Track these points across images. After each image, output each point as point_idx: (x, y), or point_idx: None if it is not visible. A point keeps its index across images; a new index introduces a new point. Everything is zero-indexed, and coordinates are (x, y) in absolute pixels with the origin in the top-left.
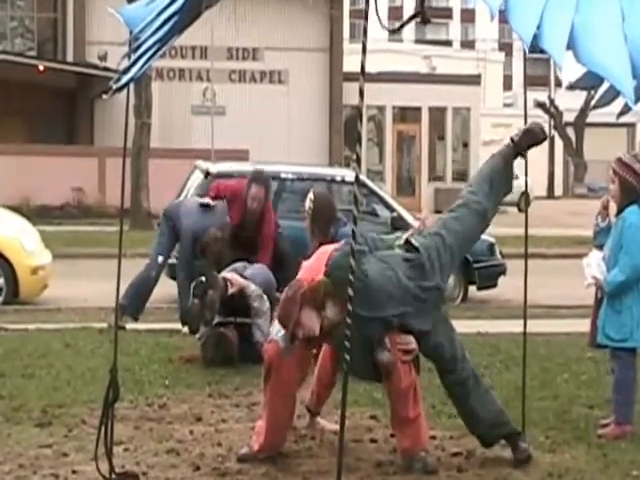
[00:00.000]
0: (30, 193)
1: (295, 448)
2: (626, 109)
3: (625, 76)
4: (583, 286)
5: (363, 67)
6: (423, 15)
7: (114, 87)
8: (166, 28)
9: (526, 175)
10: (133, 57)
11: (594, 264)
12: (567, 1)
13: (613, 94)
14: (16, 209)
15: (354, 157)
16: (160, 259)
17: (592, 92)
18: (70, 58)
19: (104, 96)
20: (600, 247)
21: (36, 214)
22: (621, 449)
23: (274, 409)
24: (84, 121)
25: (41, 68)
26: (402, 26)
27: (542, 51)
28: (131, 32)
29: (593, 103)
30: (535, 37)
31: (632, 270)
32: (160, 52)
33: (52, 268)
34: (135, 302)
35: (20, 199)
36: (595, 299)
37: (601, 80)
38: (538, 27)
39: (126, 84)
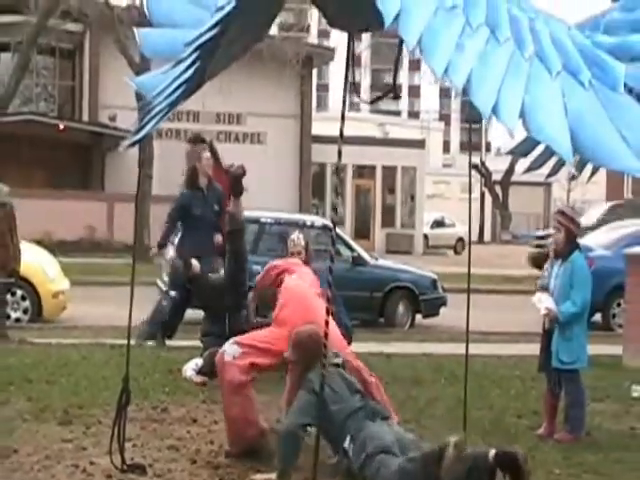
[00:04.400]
0: (51, 230)
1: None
2: (554, 172)
3: (567, 145)
4: (511, 317)
5: (341, 133)
6: (395, 92)
7: (130, 141)
8: (177, 94)
9: (470, 225)
10: (147, 118)
11: (544, 299)
12: (518, 83)
13: (544, 159)
14: (39, 242)
15: (326, 205)
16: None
17: (517, 157)
18: (85, 118)
19: (120, 148)
20: (543, 288)
21: (55, 247)
22: (545, 451)
23: (226, 410)
24: (96, 171)
25: (61, 127)
26: (378, 99)
27: (479, 122)
28: (138, 98)
29: (528, 166)
30: (493, 110)
31: (582, 304)
32: (168, 114)
33: (70, 293)
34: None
35: (42, 234)
36: (543, 330)
37: (533, 148)
38: (495, 103)
39: (140, 139)
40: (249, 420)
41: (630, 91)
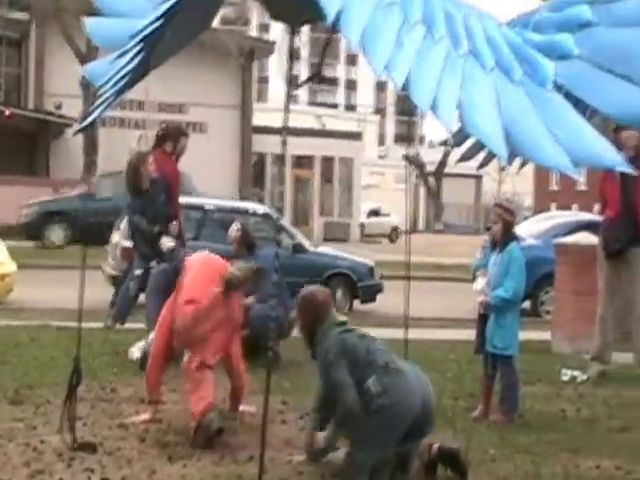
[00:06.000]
0: None
1: (222, 425)
2: (484, 163)
3: (500, 141)
4: (444, 303)
5: (286, 125)
6: (321, 76)
7: (77, 128)
8: (122, 83)
9: (407, 214)
10: (94, 105)
11: (480, 284)
12: (454, 79)
13: (475, 151)
14: None
15: (267, 194)
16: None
17: (449, 149)
18: (31, 106)
19: (67, 135)
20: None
21: (2, 231)
22: (480, 432)
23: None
24: (41, 158)
25: (7, 113)
26: (307, 81)
27: (413, 115)
28: (84, 86)
29: (460, 156)
30: (431, 107)
31: (514, 292)
32: (115, 102)
33: (16, 275)
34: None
35: None
36: (478, 315)
37: (466, 139)
38: (433, 99)
39: (86, 127)
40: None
41: (559, 88)
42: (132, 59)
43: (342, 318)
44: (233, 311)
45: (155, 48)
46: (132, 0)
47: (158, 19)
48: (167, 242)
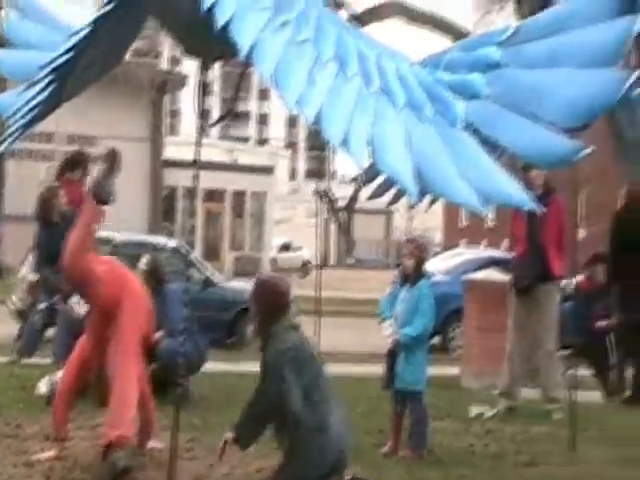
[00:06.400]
0: None
1: (129, 463)
2: (394, 200)
3: (409, 178)
4: (354, 338)
5: (198, 159)
6: (236, 113)
7: None
8: (32, 115)
9: (317, 249)
10: (1, 137)
11: (389, 326)
12: (366, 116)
13: (386, 188)
14: None
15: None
16: None
17: (360, 185)
18: None
19: None
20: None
21: None
22: (390, 468)
23: None
24: None
25: None
26: (219, 121)
27: (324, 150)
28: None
29: (370, 193)
30: (342, 142)
31: (423, 329)
32: (23, 134)
33: None
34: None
35: None
36: (387, 351)
37: (376, 176)
38: (344, 135)
39: None
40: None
41: (469, 127)
42: (42, 91)
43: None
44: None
45: (67, 80)
46: (42, 32)
47: (69, 51)
48: (76, 307)
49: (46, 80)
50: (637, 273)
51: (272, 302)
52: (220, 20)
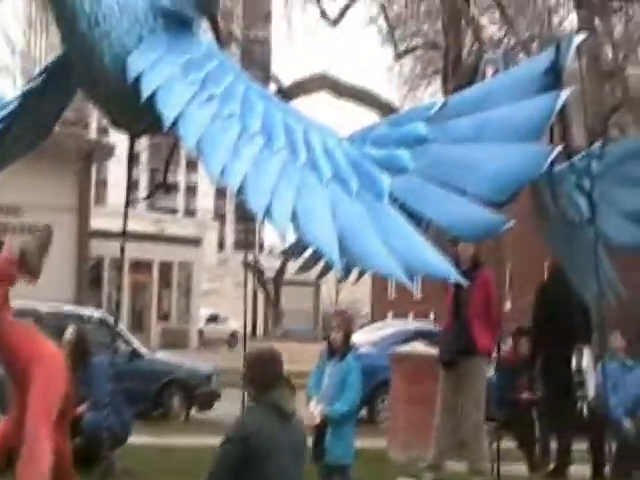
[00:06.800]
0: None
1: None
2: (323, 274)
3: (335, 251)
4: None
5: (125, 231)
6: (165, 187)
7: None
8: None
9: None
10: None
11: (315, 405)
12: (291, 188)
13: (314, 261)
14: None
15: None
16: None
17: (289, 258)
18: None
19: None
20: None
21: None
22: None
23: None
24: None
25: None
26: (153, 193)
27: (253, 221)
28: None
29: (299, 267)
30: (266, 212)
31: (352, 404)
32: None
33: None
34: None
35: None
36: (315, 425)
37: (305, 249)
38: (268, 207)
39: None
40: None
41: (395, 201)
42: None
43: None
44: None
45: None
46: None
47: None
48: None
49: None
50: (560, 345)
51: (261, 372)
52: (146, 91)
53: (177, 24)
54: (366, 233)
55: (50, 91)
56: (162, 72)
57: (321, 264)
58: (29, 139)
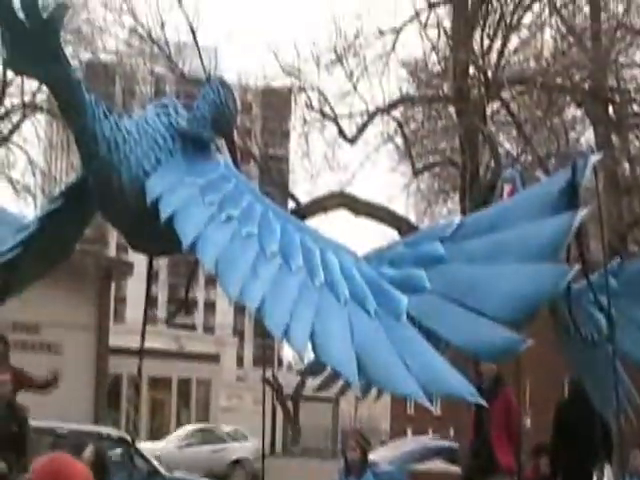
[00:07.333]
0: None
1: None
2: (342, 392)
3: (353, 371)
4: None
5: (142, 349)
6: (187, 308)
7: None
8: None
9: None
10: None
11: None
12: (309, 309)
13: (332, 380)
14: None
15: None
16: None
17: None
18: None
19: None
20: None
21: None
22: None
23: None
24: None
25: None
26: (174, 314)
27: (269, 337)
28: None
29: (318, 385)
30: (285, 333)
31: None
32: None
33: None
34: None
35: None
36: None
37: (323, 368)
38: (286, 327)
39: None
40: None
41: (413, 321)
42: None
43: None
44: None
45: (14, 276)
46: None
47: (17, 246)
48: None
49: None
50: (581, 463)
51: None
52: (164, 214)
53: (195, 145)
54: (384, 353)
55: (70, 212)
56: (180, 194)
57: (340, 383)
58: (49, 260)
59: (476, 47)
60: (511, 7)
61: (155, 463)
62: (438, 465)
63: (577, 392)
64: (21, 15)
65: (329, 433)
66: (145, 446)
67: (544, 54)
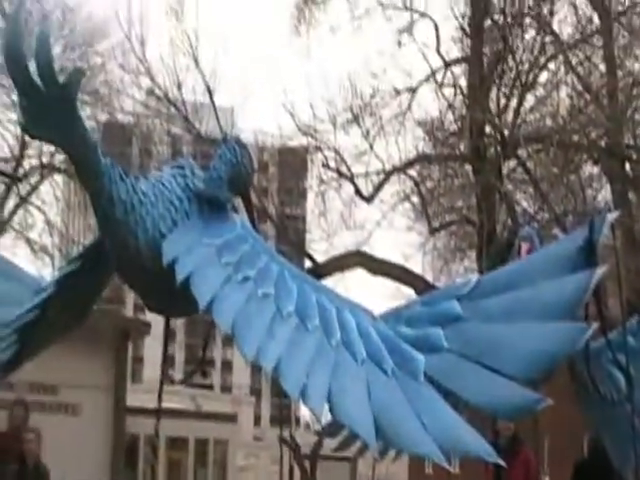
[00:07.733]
0: None
1: None
2: (360, 453)
3: (370, 431)
4: None
5: (159, 409)
6: (203, 370)
7: None
8: None
9: None
10: None
11: None
12: (325, 369)
13: (351, 440)
14: None
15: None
16: None
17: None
18: None
19: None
20: None
21: None
22: None
23: None
24: None
25: None
26: (190, 375)
27: (286, 396)
28: None
29: (336, 446)
30: (301, 394)
31: None
32: None
33: None
34: None
35: None
36: None
37: (341, 429)
38: (303, 387)
39: None
40: None
41: (430, 380)
42: (5, 349)
43: None
44: None
45: (31, 338)
46: (5, 287)
47: (34, 308)
48: None
49: (10, 339)
50: None
51: None
52: (180, 275)
53: (211, 206)
54: (402, 413)
55: (87, 274)
56: (196, 255)
57: (358, 443)
58: (65, 323)
59: (492, 106)
60: (527, 66)
61: None
62: None
63: (596, 450)
64: (37, 80)
65: None
66: None
67: (560, 112)
